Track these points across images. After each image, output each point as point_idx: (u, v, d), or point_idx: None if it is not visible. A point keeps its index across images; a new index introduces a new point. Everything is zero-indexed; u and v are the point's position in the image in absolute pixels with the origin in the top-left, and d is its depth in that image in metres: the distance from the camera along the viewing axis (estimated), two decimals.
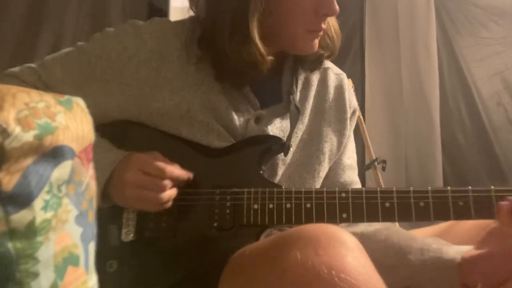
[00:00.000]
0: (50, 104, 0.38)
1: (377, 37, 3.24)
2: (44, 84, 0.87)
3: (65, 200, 0.38)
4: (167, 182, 0.77)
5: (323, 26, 0.86)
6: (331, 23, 0.92)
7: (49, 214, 0.36)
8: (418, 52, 3.17)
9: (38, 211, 0.36)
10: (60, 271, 0.37)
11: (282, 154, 0.88)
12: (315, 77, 0.98)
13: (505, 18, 3.11)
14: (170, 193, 0.78)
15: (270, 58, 0.84)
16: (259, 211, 0.80)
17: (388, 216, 0.78)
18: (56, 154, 0.37)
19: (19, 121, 0.34)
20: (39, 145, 0.35)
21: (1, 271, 0.34)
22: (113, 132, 0.86)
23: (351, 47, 3.20)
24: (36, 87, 0.86)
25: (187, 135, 0.85)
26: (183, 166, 0.81)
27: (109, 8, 2.12)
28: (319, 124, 0.95)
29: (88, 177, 0.42)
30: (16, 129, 0.34)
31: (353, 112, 1.02)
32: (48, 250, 0.36)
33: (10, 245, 0.34)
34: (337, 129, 0.97)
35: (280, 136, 0.89)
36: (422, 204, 0.76)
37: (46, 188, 0.36)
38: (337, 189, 0.80)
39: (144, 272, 0.81)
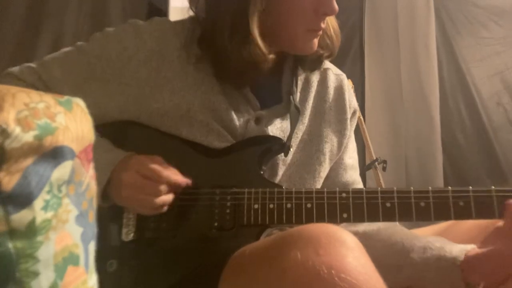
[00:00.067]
0: (50, 105, 0.38)
1: (376, 37, 3.24)
2: (43, 84, 0.87)
3: (65, 200, 0.38)
4: (163, 187, 0.76)
5: (323, 25, 0.86)
6: (331, 23, 0.92)
7: (49, 214, 0.36)
8: (418, 52, 3.17)
9: (38, 211, 0.36)
10: (60, 270, 0.37)
11: (283, 154, 0.88)
12: (315, 78, 0.98)
13: (505, 18, 3.11)
14: (165, 198, 0.77)
15: (271, 56, 0.84)
16: (259, 211, 0.80)
17: (388, 216, 0.78)
18: (56, 155, 0.37)
19: (19, 121, 0.34)
20: (39, 145, 0.36)
21: (1, 270, 0.34)
22: (114, 132, 0.86)
23: (351, 47, 3.20)
24: (35, 87, 0.86)
25: (187, 136, 0.85)
26: (183, 166, 0.81)
27: (109, 8, 2.12)
28: (319, 125, 0.95)
29: (88, 177, 0.42)
30: (16, 130, 0.34)
31: (354, 113, 1.02)
32: (48, 250, 0.36)
33: (10, 244, 0.34)
34: (337, 130, 0.97)
35: (281, 137, 0.89)
36: (422, 204, 0.76)
37: (46, 188, 0.36)
38: (337, 189, 0.80)
39: (144, 272, 0.81)
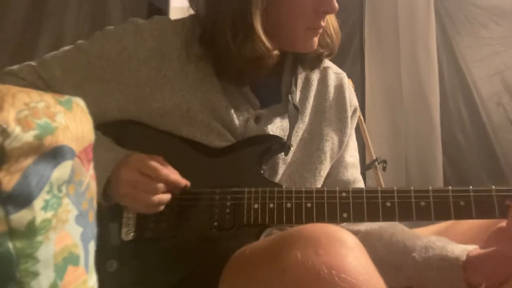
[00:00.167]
0: (50, 104, 0.38)
1: (377, 37, 3.24)
2: (44, 82, 0.87)
3: (65, 200, 0.38)
4: (161, 186, 0.76)
5: (323, 24, 0.86)
6: (331, 22, 0.92)
7: (49, 214, 0.36)
8: (418, 52, 3.17)
9: (38, 211, 0.36)
10: (60, 270, 0.37)
11: (283, 153, 0.88)
12: (315, 77, 0.98)
13: (505, 18, 3.10)
14: (162, 197, 0.77)
15: (275, 52, 0.83)
16: (259, 210, 0.80)
17: (388, 216, 0.78)
18: (56, 154, 0.37)
19: (19, 121, 0.34)
20: (39, 145, 0.35)
21: (1, 270, 0.34)
22: (114, 131, 0.86)
23: (351, 46, 3.20)
24: (36, 85, 0.86)
25: (187, 135, 0.85)
26: (184, 165, 0.81)
27: (109, 8, 2.12)
28: (319, 123, 0.95)
29: (88, 177, 0.42)
30: (16, 129, 0.34)
31: (354, 111, 1.02)
32: (48, 250, 0.36)
33: (10, 244, 0.34)
34: (338, 128, 0.97)
35: (281, 136, 0.89)
36: (423, 203, 0.76)
37: (46, 188, 0.36)
38: (337, 188, 0.79)
39: (144, 272, 0.81)
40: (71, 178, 0.39)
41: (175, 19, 0.92)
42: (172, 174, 0.78)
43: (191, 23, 0.90)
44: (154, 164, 0.77)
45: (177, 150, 0.84)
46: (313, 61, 0.95)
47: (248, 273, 0.68)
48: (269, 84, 0.92)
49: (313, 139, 0.94)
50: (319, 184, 0.95)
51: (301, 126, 0.93)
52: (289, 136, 0.88)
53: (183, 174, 0.81)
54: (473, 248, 0.76)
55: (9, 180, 0.34)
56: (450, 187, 0.77)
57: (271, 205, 0.80)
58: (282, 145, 0.87)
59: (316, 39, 0.88)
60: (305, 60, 0.94)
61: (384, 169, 2.60)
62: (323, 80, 0.98)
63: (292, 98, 0.90)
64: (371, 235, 0.88)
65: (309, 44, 0.88)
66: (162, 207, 0.78)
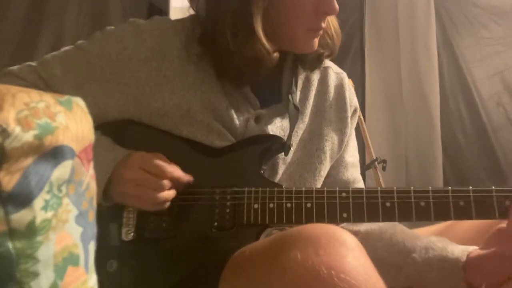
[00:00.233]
0: (50, 104, 0.38)
1: (377, 37, 3.24)
2: (44, 82, 0.87)
3: (65, 200, 0.38)
4: (166, 182, 0.77)
5: (323, 25, 0.86)
6: (331, 22, 0.92)
7: (49, 214, 0.36)
8: (418, 52, 3.17)
9: (38, 211, 0.36)
10: (60, 271, 0.37)
11: (283, 153, 0.88)
12: (315, 77, 0.98)
13: (505, 18, 3.10)
14: (168, 193, 0.77)
15: (275, 55, 0.84)
16: (259, 210, 0.80)
17: (388, 216, 0.78)
18: (56, 154, 0.37)
19: (19, 121, 0.34)
20: (39, 145, 0.35)
21: (1, 271, 0.34)
22: (114, 131, 0.86)
23: (351, 46, 3.20)
24: (36, 85, 0.86)
25: (187, 135, 0.85)
26: (184, 165, 0.81)
27: (109, 8, 2.12)
28: (319, 123, 0.95)
29: (88, 177, 0.42)
30: (16, 129, 0.34)
31: (354, 111, 1.02)
32: (48, 250, 0.36)
33: (10, 244, 0.34)
34: (338, 128, 0.98)
35: (281, 136, 0.89)
36: (422, 204, 0.76)
37: (46, 188, 0.36)
38: (337, 188, 0.79)
39: (144, 272, 0.81)
40: (71, 178, 0.39)
41: (175, 19, 0.92)
42: (176, 170, 0.79)
43: (191, 23, 0.90)
44: (158, 161, 0.77)
45: (177, 150, 0.84)
46: (314, 62, 0.95)
47: (248, 273, 0.68)
48: (269, 84, 0.92)
49: (313, 139, 0.94)
50: (319, 184, 0.95)
51: (301, 126, 0.93)
52: (289, 136, 0.88)
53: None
54: (473, 249, 0.76)
55: (9, 180, 0.34)
56: (450, 187, 0.77)
57: (271, 205, 0.80)
58: (282, 145, 0.87)
59: (316, 40, 0.88)
60: (305, 60, 0.94)
61: (384, 169, 2.60)
62: (324, 80, 0.98)
63: (292, 98, 0.90)
64: (371, 235, 0.88)
65: (309, 45, 0.88)
66: (168, 204, 0.78)
